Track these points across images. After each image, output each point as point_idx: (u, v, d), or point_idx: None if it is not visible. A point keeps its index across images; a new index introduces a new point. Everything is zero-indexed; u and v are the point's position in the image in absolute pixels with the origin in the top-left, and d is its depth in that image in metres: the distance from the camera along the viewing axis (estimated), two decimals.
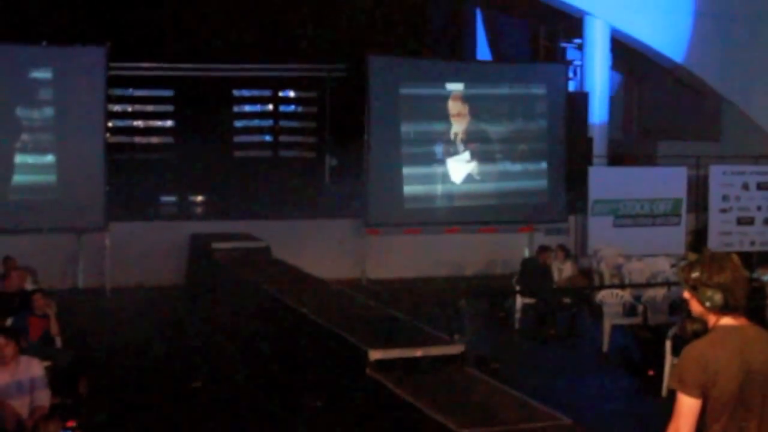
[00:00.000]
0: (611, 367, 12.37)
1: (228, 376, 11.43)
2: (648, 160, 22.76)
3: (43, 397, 8.31)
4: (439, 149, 18.88)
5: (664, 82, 24.43)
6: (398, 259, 18.76)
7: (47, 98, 16.90)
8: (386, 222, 18.52)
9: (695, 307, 4.59)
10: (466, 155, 18.95)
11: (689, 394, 4.41)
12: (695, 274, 4.54)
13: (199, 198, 22.22)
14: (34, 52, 17.11)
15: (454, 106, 18.88)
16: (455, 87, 18.92)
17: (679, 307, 12.38)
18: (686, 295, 4.63)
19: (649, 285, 14.50)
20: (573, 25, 22.20)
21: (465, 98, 18.91)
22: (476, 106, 19.03)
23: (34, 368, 8.40)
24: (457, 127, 18.92)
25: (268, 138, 24.45)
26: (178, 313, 15.37)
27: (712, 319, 4.56)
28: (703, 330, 4.64)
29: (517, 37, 24.45)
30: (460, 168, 18.96)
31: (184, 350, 12.81)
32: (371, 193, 18.28)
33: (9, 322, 10.48)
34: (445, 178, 18.91)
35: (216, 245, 16.43)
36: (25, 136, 16.85)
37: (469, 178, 19.01)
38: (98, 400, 10.05)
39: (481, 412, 7.83)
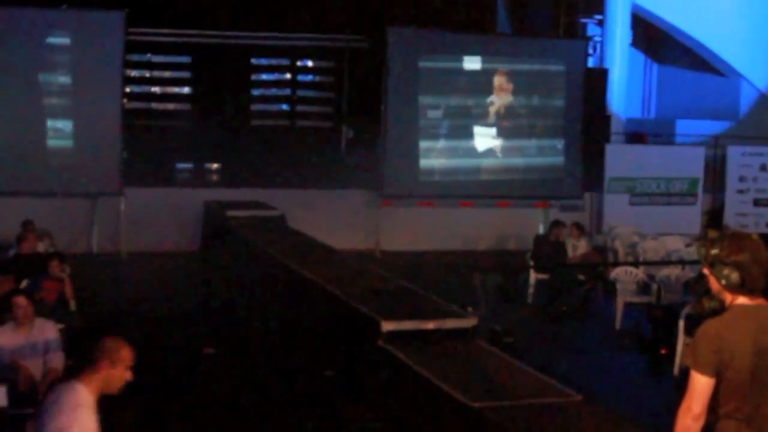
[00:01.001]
0: (623, 345, 12.36)
1: (240, 343, 11.47)
2: (666, 138, 22.67)
3: (57, 360, 8.36)
4: (456, 123, 18.84)
5: (683, 60, 24.28)
6: (412, 231, 18.75)
7: (65, 62, 16.89)
8: (401, 194, 18.51)
9: (713, 285, 4.57)
10: (493, 130, 18.91)
11: (703, 372, 4.40)
12: (714, 251, 4.53)
13: (215, 165, 22.22)
14: (53, 15, 17.09)
15: (500, 81, 18.82)
16: (474, 61, 18.84)
17: (693, 286, 12.36)
18: (705, 271, 4.62)
19: (663, 263, 14.47)
20: (594, 0, 22.06)
21: (502, 73, 18.85)
22: (494, 81, 18.96)
23: (49, 330, 8.45)
24: (499, 102, 18.87)
25: (285, 107, 24.42)
26: (192, 279, 15.41)
27: (728, 298, 4.54)
28: (720, 308, 4.62)
29: (538, 11, 24.28)
30: (486, 143, 18.91)
31: (197, 317, 12.86)
32: (387, 165, 18.27)
33: (24, 284, 10.53)
34: (462, 152, 18.87)
35: (231, 213, 16.44)
36: (42, 100, 16.87)
37: (488, 153, 18.97)
38: None
39: (492, 385, 7.83)
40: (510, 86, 19.05)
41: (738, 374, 4.41)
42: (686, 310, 10.68)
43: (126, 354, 5.33)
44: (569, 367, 10.63)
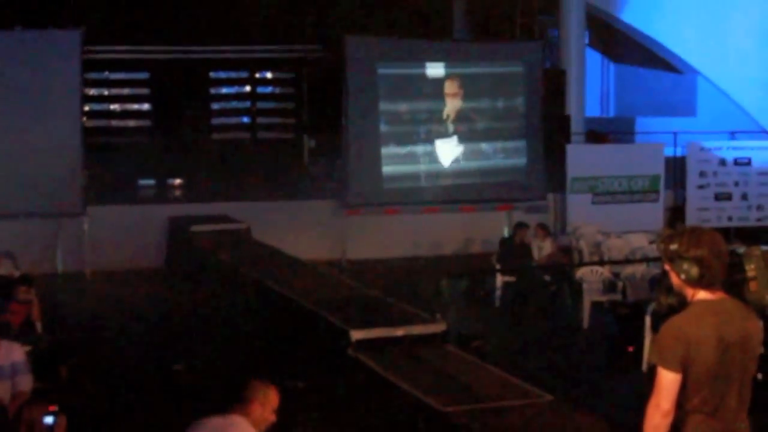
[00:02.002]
0: (591, 344, 12.44)
1: (209, 359, 11.43)
2: (625, 137, 22.83)
3: (25, 382, 8.27)
4: (417, 129, 18.87)
5: (640, 58, 24.48)
6: (378, 239, 18.74)
7: (23, 82, 16.74)
8: (365, 202, 18.51)
9: (674, 280, 4.63)
10: (454, 135, 18.96)
11: (669, 368, 4.45)
12: (673, 247, 4.58)
13: (178, 181, 22.13)
14: (9, 36, 16.96)
15: (450, 86, 18.88)
16: (432, 67, 18.90)
17: (658, 283, 12.45)
18: (666, 267, 4.67)
19: (628, 262, 14.57)
20: (549, 1, 22.19)
21: (453, 78, 18.92)
22: (454, 84, 19.02)
23: (16, 353, 8.36)
24: (450, 107, 18.93)
25: (245, 120, 24.40)
26: (158, 296, 15.33)
27: (689, 293, 4.59)
28: (679, 305, 4.67)
29: (494, 14, 24.40)
30: (446, 148, 18.96)
31: (164, 333, 12.80)
32: (350, 174, 18.27)
33: None
34: (424, 157, 18.90)
35: (195, 228, 16.41)
36: (1, 121, 16.71)
37: (450, 158, 19.01)
38: (79, 385, 10.03)
39: (463, 390, 7.88)
40: (469, 90, 19.09)
41: (703, 368, 4.47)
42: (652, 307, 10.74)
43: (274, 397, 5.58)
44: (538, 368, 10.70)
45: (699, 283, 4.53)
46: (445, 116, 18.98)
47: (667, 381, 4.46)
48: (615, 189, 19.62)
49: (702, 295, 4.56)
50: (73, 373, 10.02)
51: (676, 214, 20.01)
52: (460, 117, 19.05)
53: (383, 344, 9.04)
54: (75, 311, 14.08)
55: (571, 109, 20.80)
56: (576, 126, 20.75)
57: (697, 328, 4.48)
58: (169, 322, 13.52)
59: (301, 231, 17.81)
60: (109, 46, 20.67)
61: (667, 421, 4.48)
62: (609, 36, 23.92)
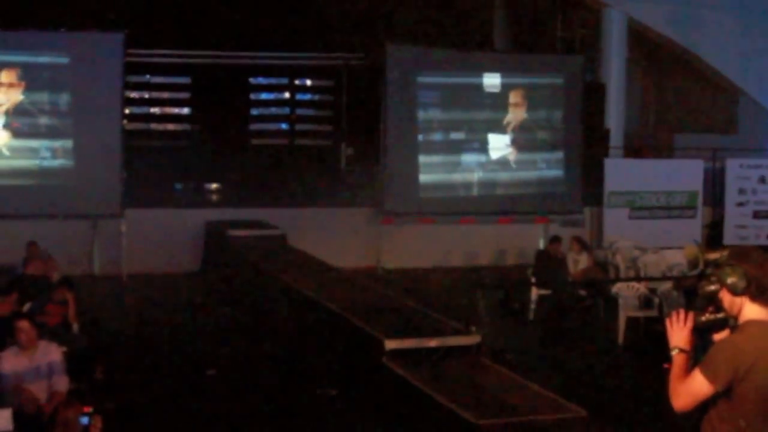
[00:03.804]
0: (626, 360, 12.36)
1: (243, 364, 11.47)
2: (664, 152, 22.69)
3: (61, 383, 8.36)
4: (455, 138, 18.87)
5: (681, 74, 24.33)
6: (413, 248, 18.74)
7: (66, 84, 16.91)
8: (402, 211, 18.49)
9: (725, 297, 4.59)
10: (493, 145, 18.92)
11: (709, 379, 4.43)
12: (719, 256, 4.59)
13: (215, 185, 22.25)
14: (53, 38, 17.13)
15: (489, 97, 18.86)
16: (472, 77, 18.88)
17: (693, 299, 12.35)
18: (711, 286, 4.63)
19: (665, 278, 14.46)
20: (590, 15, 22.11)
21: (493, 89, 18.89)
22: (494, 96, 19.00)
23: (53, 353, 8.45)
24: (489, 118, 18.90)
25: (284, 126, 24.50)
26: (194, 300, 15.40)
27: (736, 306, 4.55)
28: (720, 321, 4.63)
29: (535, 26, 24.36)
30: (484, 158, 18.94)
31: (199, 337, 12.85)
32: (387, 182, 18.27)
33: (27, 307, 10.53)
34: (461, 167, 18.88)
35: (232, 232, 16.47)
36: (43, 122, 16.87)
37: (488, 168, 18.98)
38: (114, 386, 10.09)
39: (496, 403, 7.84)
40: (509, 101, 19.06)
41: (750, 390, 4.44)
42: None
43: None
44: (573, 383, 10.63)
45: (745, 292, 4.51)
46: (484, 127, 18.95)
47: (700, 385, 4.45)
48: (653, 204, 19.53)
49: (753, 313, 4.53)
50: (109, 375, 10.09)
51: (714, 230, 19.87)
52: (499, 128, 19.01)
53: (417, 354, 9.01)
54: (111, 313, 14.15)
55: (611, 122, 20.72)
56: (615, 140, 20.67)
57: (753, 348, 4.45)
58: (203, 326, 13.57)
59: (336, 238, 17.84)
60: (151, 50, 20.82)
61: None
62: (650, 50, 23.77)
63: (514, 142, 19.14)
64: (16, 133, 16.76)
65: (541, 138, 19.34)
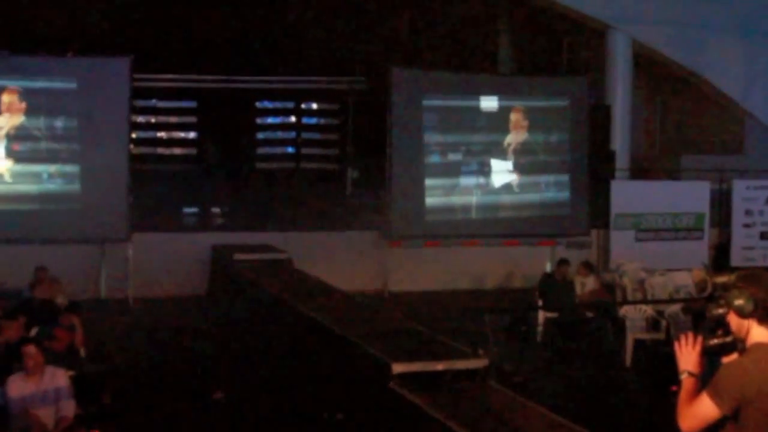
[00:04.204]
0: (634, 382, 12.32)
1: (249, 388, 11.44)
2: (670, 173, 22.69)
3: (68, 407, 8.35)
4: (461, 161, 18.87)
5: (686, 96, 24.37)
6: (420, 271, 18.72)
7: (73, 109, 16.96)
8: (408, 234, 18.48)
9: (732, 321, 4.58)
10: (499, 168, 18.93)
11: (716, 402, 4.42)
12: (727, 279, 4.59)
13: (221, 210, 22.28)
14: (60, 63, 17.21)
15: (493, 120, 18.88)
16: (477, 100, 18.92)
17: (701, 322, 12.31)
18: (718, 309, 4.63)
19: (672, 300, 14.43)
20: (595, 37, 22.18)
21: (496, 111, 18.92)
22: (499, 118, 19.02)
23: (60, 378, 8.44)
24: (493, 141, 18.92)
25: (290, 150, 24.55)
26: (200, 324, 15.40)
27: (744, 329, 4.55)
28: (729, 344, 4.62)
29: (539, 48, 24.44)
30: (490, 181, 18.94)
31: (206, 361, 12.84)
32: (393, 205, 18.27)
33: (34, 332, 10.53)
34: (467, 190, 18.88)
35: (238, 256, 16.48)
36: (50, 146, 16.92)
37: (493, 191, 18.98)
38: (121, 411, 10.07)
39: (504, 426, 7.81)
40: (513, 124, 19.08)
41: (757, 414, 4.42)
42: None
43: None
44: (580, 406, 10.60)
45: (752, 315, 4.50)
46: (489, 149, 18.96)
47: (707, 409, 4.44)
48: (659, 226, 19.50)
49: (760, 336, 4.52)
50: (116, 400, 10.07)
51: (720, 252, 19.83)
52: (504, 150, 19.03)
53: (424, 378, 8.99)
54: (118, 337, 14.16)
55: (616, 144, 20.74)
56: (621, 162, 20.69)
57: (760, 372, 4.44)
58: (210, 350, 13.56)
59: (342, 262, 17.84)
60: (157, 74, 20.90)
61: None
62: (655, 72, 23.81)
63: (520, 165, 19.13)
64: (23, 158, 16.80)
65: (546, 160, 19.33)
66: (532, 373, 12.11)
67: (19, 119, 16.71)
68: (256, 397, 11.06)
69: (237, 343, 13.79)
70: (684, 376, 4.55)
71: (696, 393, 4.51)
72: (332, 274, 15.84)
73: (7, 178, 16.73)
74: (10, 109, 16.63)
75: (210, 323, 15.39)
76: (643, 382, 12.20)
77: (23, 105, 16.69)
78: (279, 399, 10.93)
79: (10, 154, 16.71)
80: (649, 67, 23.07)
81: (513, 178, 19.16)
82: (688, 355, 4.57)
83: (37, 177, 16.90)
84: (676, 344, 4.60)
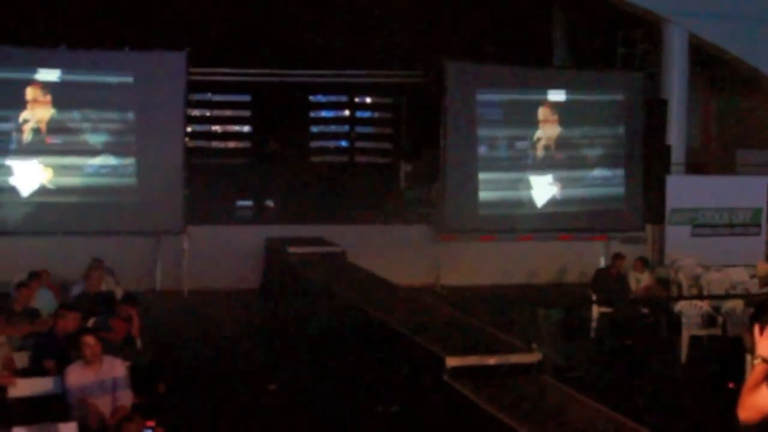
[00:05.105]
0: (689, 379, 12.21)
1: (303, 380, 11.50)
2: (727, 168, 22.42)
3: (125, 397, 8.46)
4: (515, 155, 18.81)
5: (743, 90, 24.04)
6: (472, 265, 18.69)
7: (130, 103, 17.13)
8: (461, 228, 18.46)
9: None
10: (553, 162, 18.85)
11: None
12: None
13: (275, 202, 22.38)
14: (117, 57, 17.38)
15: (543, 113, 18.79)
16: (531, 94, 18.86)
17: (761, 317, 12.17)
18: None
19: (728, 296, 14.28)
20: (651, 30, 21.96)
21: (552, 105, 18.83)
22: (553, 112, 18.93)
23: (117, 368, 8.55)
24: (549, 135, 18.83)
25: (343, 143, 24.59)
26: (254, 315, 15.50)
27: None
28: None
29: (595, 42, 24.24)
30: (544, 175, 18.85)
31: (259, 353, 12.93)
32: (446, 199, 18.26)
33: (92, 322, 10.66)
34: (521, 184, 18.81)
35: (291, 249, 16.54)
36: (107, 140, 17.11)
37: (547, 185, 18.89)
38: (177, 401, 10.17)
39: (559, 421, 7.77)
40: (568, 118, 18.98)
41: None
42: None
43: None
44: (635, 402, 10.52)
45: None
46: (543, 144, 18.88)
47: (764, 401, 4.34)
48: (715, 221, 19.31)
49: None
50: (171, 390, 10.17)
51: None
52: (559, 145, 18.94)
53: (478, 372, 8.96)
54: (173, 328, 14.29)
55: (672, 139, 20.52)
56: (676, 156, 20.46)
57: None
58: (263, 341, 13.65)
59: (395, 255, 17.85)
60: (212, 68, 21.04)
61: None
62: (712, 65, 23.52)
63: (574, 159, 19.03)
64: (80, 152, 17.01)
65: (601, 155, 19.22)
66: (585, 367, 12.04)
67: (77, 113, 16.92)
68: (310, 390, 11.11)
69: (290, 335, 13.86)
70: (758, 362, 4.44)
71: (764, 381, 4.42)
72: (385, 268, 15.85)
73: (66, 171, 16.93)
74: (68, 104, 16.84)
75: (263, 315, 15.48)
76: (699, 378, 12.08)
77: (80, 99, 16.89)
78: (333, 391, 10.97)
79: (68, 147, 16.91)
80: (705, 60, 22.77)
81: (567, 172, 19.06)
82: (766, 340, 4.46)
83: (94, 170, 17.09)
84: (756, 328, 4.50)
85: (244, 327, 14.65)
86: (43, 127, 16.76)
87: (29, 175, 16.79)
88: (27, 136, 16.73)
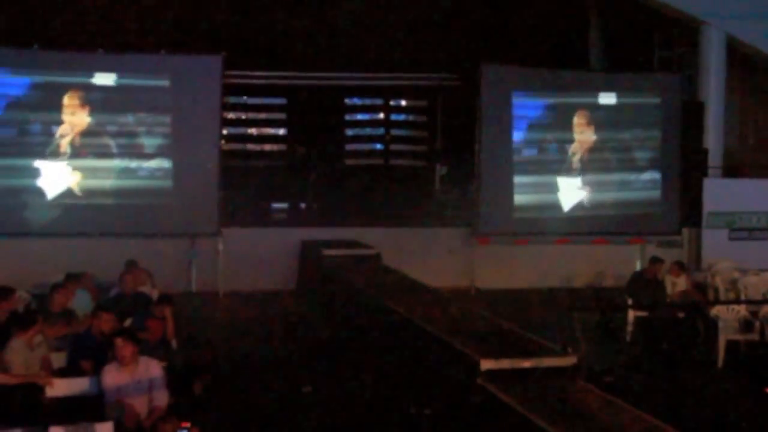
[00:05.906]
0: (726, 384, 12.10)
1: (338, 381, 11.51)
2: (764, 172, 22.20)
3: (161, 397, 8.52)
4: (550, 158, 18.74)
5: None
6: (507, 268, 18.63)
7: (165, 105, 17.22)
8: (496, 231, 18.41)
9: None
10: (588, 166, 18.76)
11: None
12: None
13: (310, 205, 22.43)
14: (154, 60, 17.47)
15: (579, 116, 18.71)
16: (567, 97, 18.78)
17: None
18: None
19: (766, 301, 14.14)
20: (688, 33, 21.80)
21: (588, 108, 18.76)
22: (589, 115, 18.84)
23: (153, 369, 8.61)
24: (585, 138, 18.74)
25: (378, 146, 24.60)
26: (289, 318, 15.53)
27: None
28: None
29: (631, 45, 24.10)
30: (579, 178, 18.77)
31: (295, 355, 12.95)
32: (481, 202, 18.23)
33: (129, 323, 10.74)
34: (556, 188, 18.73)
35: (326, 252, 16.58)
36: (144, 142, 17.20)
37: (583, 188, 18.80)
38: (212, 402, 10.21)
39: (594, 425, 7.74)
40: (604, 121, 18.89)
41: None
42: None
43: None
44: (672, 406, 10.45)
45: None
46: (579, 147, 18.80)
47: None
48: (753, 225, 19.13)
49: None
50: (207, 390, 10.22)
51: None
52: (595, 148, 18.85)
53: (513, 375, 8.95)
54: (208, 330, 14.35)
55: (709, 142, 20.35)
56: (714, 160, 20.29)
57: None
58: (298, 343, 13.67)
59: (430, 258, 17.84)
60: (247, 72, 21.11)
61: None
62: (750, 68, 23.32)
63: (610, 162, 18.94)
64: (116, 154, 17.11)
65: (637, 158, 19.12)
66: (621, 372, 11.97)
67: (113, 116, 17.03)
68: (344, 392, 11.12)
69: (325, 337, 13.88)
70: None
71: None
72: (420, 270, 15.86)
73: (102, 173, 17.04)
74: (105, 107, 16.95)
75: (298, 317, 15.52)
76: (736, 384, 11.98)
77: (117, 102, 16.99)
78: (367, 394, 10.98)
79: (105, 150, 17.03)
80: (743, 63, 22.58)
81: (603, 175, 18.96)
82: None
83: (130, 172, 17.19)
84: None
85: (279, 328, 14.68)
86: (80, 130, 16.86)
87: (65, 178, 16.88)
88: (64, 140, 16.85)
